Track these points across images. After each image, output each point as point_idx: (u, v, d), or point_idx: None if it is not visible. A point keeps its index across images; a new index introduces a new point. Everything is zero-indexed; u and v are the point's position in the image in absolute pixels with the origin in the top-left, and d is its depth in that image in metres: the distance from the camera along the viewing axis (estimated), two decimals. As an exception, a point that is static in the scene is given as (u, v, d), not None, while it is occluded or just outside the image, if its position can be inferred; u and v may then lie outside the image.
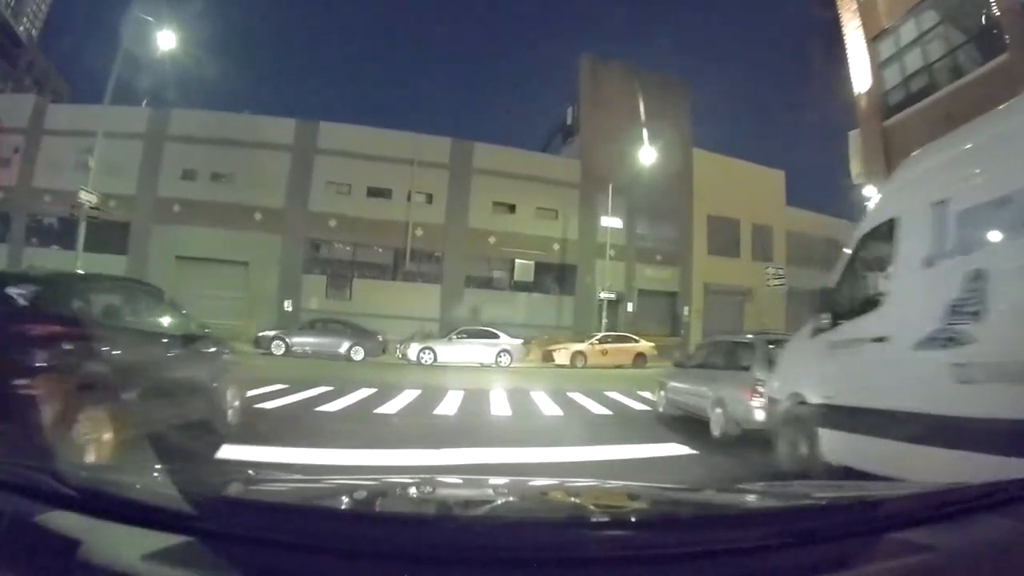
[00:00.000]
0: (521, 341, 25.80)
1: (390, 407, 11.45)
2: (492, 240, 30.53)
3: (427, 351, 24.42)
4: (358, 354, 23.92)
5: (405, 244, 29.33)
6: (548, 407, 12.53)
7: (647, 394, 15.07)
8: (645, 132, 29.47)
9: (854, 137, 16.53)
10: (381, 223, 29.25)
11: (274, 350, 23.53)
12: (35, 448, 4.03)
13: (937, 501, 1.70)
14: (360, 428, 9.13)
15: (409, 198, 29.67)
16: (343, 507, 1.83)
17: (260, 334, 24.27)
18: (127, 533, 1.39)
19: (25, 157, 30.46)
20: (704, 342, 12.66)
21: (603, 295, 29.85)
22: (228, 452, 6.59)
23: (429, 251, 30.01)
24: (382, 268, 30.03)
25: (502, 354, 25.14)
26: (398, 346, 24.90)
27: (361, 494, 2.14)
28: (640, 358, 27.09)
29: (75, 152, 30.52)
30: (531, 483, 2.85)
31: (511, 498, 2.25)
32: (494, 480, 3.08)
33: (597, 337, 27.19)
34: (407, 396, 13.04)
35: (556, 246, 31.61)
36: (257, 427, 8.36)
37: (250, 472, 2.39)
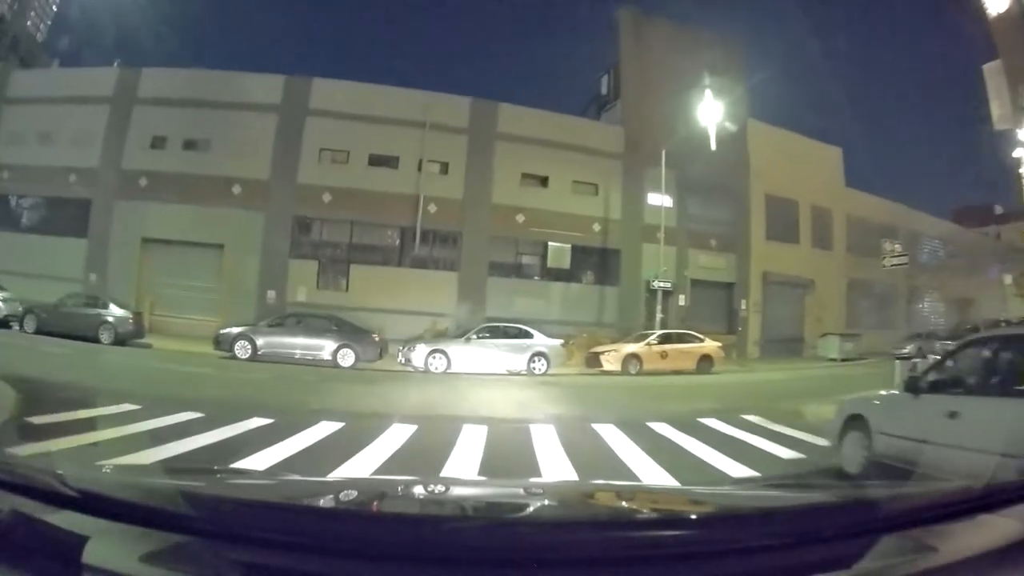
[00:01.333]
0: (560, 341, 19.96)
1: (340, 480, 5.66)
2: (520, 219, 24.53)
3: (438, 355, 18.69)
4: (347, 358, 18.30)
5: (415, 223, 23.47)
6: (644, 465, 6.71)
7: (782, 427, 9.76)
8: (696, 97, 23.71)
9: (992, 72, 10.98)
10: (385, 197, 23.37)
11: (238, 352, 17.94)
12: (36, 448, 4.08)
13: (937, 501, 1.71)
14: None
15: (420, 168, 23.79)
16: (342, 508, 1.86)
17: (221, 331, 18.65)
18: (128, 533, 1.39)
19: None
20: (970, 339, 6.64)
21: (657, 285, 23.69)
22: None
23: (444, 231, 24.09)
24: (386, 252, 24.14)
25: (536, 359, 19.33)
26: (400, 349, 19.17)
27: (361, 495, 2.14)
28: (705, 362, 21.10)
29: (37, 122, 25.68)
30: (531, 484, 3.04)
31: (511, 499, 2.25)
32: (494, 482, 3.42)
33: (655, 336, 21.15)
34: (388, 443, 7.40)
35: (596, 227, 25.55)
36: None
37: (249, 473, 2.74)
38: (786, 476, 4.55)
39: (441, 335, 22.17)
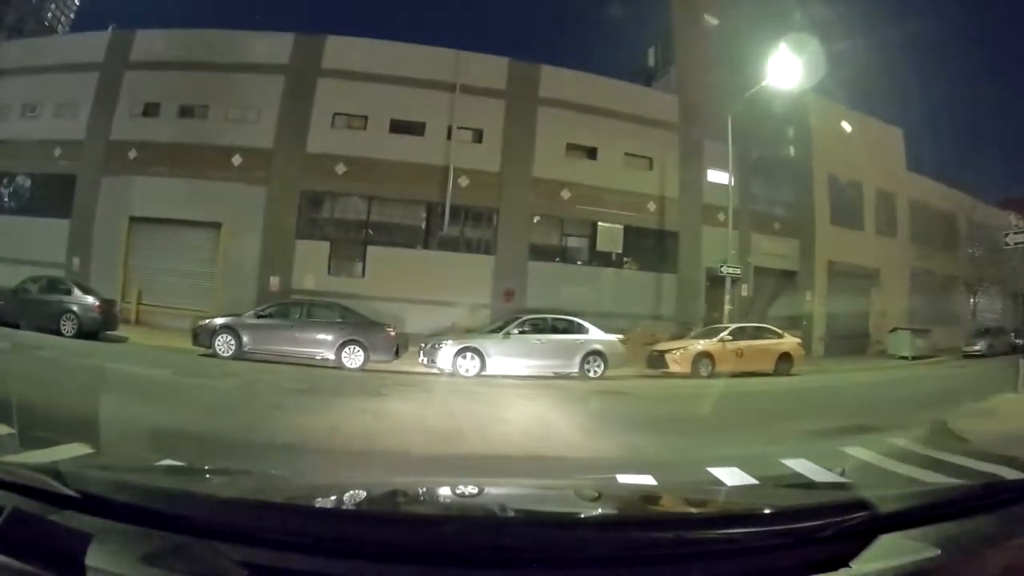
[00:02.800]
0: (619, 337, 15.73)
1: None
2: (566, 195, 20.37)
3: (469, 354, 14.66)
4: (354, 358, 14.41)
5: (443, 198, 19.39)
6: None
7: (949, 456, 6.52)
8: (757, 62, 19.82)
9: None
10: (409, 169, 19.36)
11: (219, 349, 14.05)
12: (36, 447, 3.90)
13: (937, 501, 1.66)
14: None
15: (449, 135, 19.75)
16: (343, 508, 1.80)
17: (200, 323, 14.73)
18: (128, 533, 1.35)
19: None
20: None
21: (726, 271, 19.38)
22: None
23: (478, 208, 19.99)
24: (409, 232, 19.97)
25: (591, 359, 15.25)
26: (422, 346, 15.13)
27: (361, 495, 2.07)
28: (784, 361, 17.04)
29: (22, 94, 22.38)
30: (531, 484, 2.83)
31: (511, 499, 2.16)
32: (494, 481, 2.99)
33: (728, 331, 17.00)
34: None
35: (651, 206, 21.31)
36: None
37: (250, 473, 2.37)
38: (786, 476, 3.99)
39: (473, 330, 18.13)
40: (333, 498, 1.97)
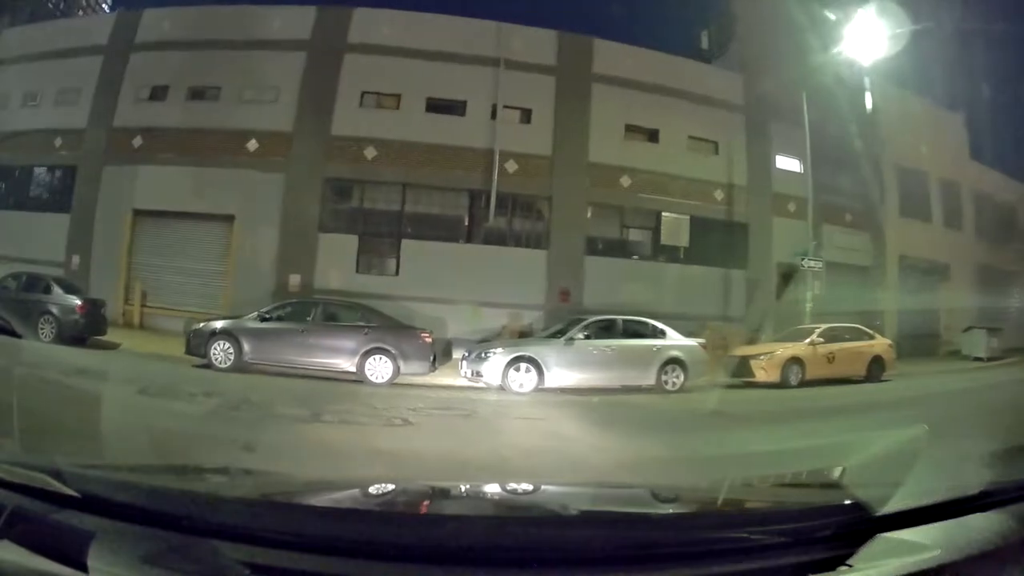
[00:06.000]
0: (699, 342, 12.31)
1: None
2: (626, 182, 16.79)
3: (523, 365, 11.12)
4: (381, 370, 11.11)
5: (489, 185, 15.84)
6: None
7: None
8: (828, 40, 16.77)
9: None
10: (449, 152, 15.93)
11: (215, 358, 10.83)
12: (38, 447, 3.37)
13: (937, 501, 1.58)
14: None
15: (494, 115, 16.26)
16: (342, 507, 1.74)
17: (194, 327, 11.50)
18: (128, 532, 1.30)
19: None
20: None
21: (807, 264, 16.00)
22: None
23: (527, 197, 16.38)
24: (450, 224, 16.35)
25: (670, 368, 11.82)
26: (466, 355, 11.69)
27: (361, 495, 1.98)
28: (876, 365, 13.95)
29: (22, 83, 19.46)
30: (531, 485, 2.62)
31: (511, 499, 2.08)
32: (495, 483, 2.84)
33: (819, 332, 13.72)
34: None
35: (719, 194, 17.82)
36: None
37: (249, 473, 2.30)
38: (786, 476, 3.22)
39: (526, 334, 14.71)
40: (333, 497, 1.89)
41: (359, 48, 16.60)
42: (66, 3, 23.33)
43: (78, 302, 12.74)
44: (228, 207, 16.02)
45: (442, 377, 12.05)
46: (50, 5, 22.34)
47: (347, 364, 11.19)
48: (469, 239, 16.15)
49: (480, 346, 12.40)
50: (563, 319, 13.72)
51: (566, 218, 16.29)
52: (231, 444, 6.60)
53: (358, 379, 11.03)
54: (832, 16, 17.11)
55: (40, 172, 18.12)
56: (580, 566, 1.27)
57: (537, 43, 17.06)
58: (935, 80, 23.95)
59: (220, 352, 11.10)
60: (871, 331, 14.84)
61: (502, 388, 11.28)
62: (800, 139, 17.09)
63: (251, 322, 11.57)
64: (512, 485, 2.51)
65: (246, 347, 11.09)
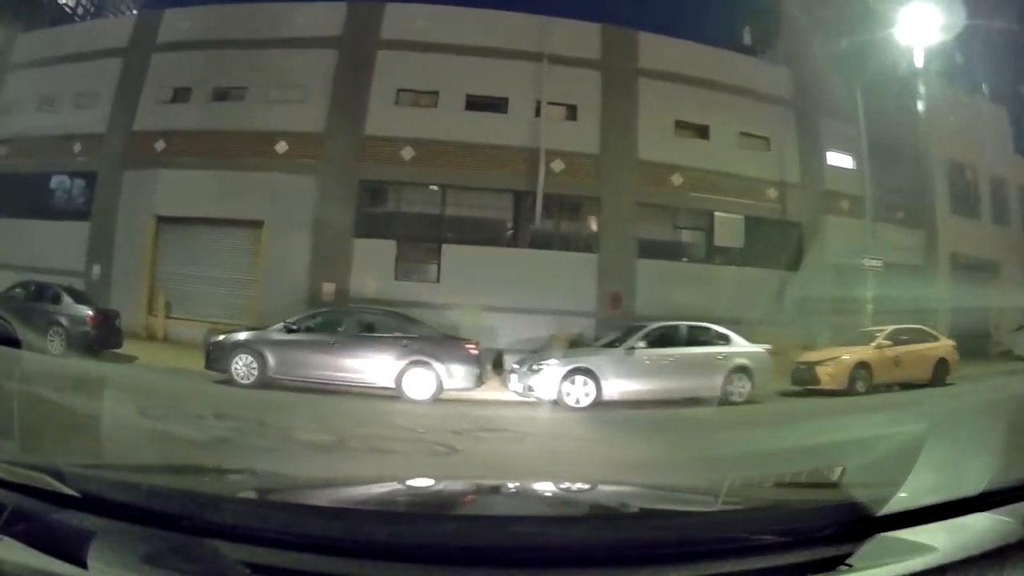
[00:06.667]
0: (766, 348, 11.22)
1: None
2: (677, 180, 15.61)
3: (579, 377, 10.12)
4: (422, 386, 10.01)
5: (534, 186, 14.66)
6: None
7: None
8: (875, 34, 15.84)
9: None
10: (491, 152, 14.80)
11: (237, 373, 9.86)
12: (39, 447, 3.68)
13: (936, 501, 1.55)
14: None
15: (538, 112, 15.12)
16: (342, 507, 1.73)
17: (214, 339, 10.54)
18: (128, 532, 1.29)
19: None
20: None
21: (868, 264, 15.06)
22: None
23: (575, 197, 15.26)
24: (493, 227, 15.26)
25: (735, 377, 10.80)
26: (515, 367, 10.73)
27: (360, 495, 1.97)
28: (941, 367, 12.99)
29: (40, 88, 18.52)
30: (532, 484, 2.61)
31: (511, 499, 2.06)
32: (495, 482, 2.81)
33: (886, 334, 12.72)
34: None
35: (772, 192, 16.64)
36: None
37: (249, 473, 2.26)
38: (785, 476, 3.03)
39: (578, 344, 13.57)
40: (333, 497, 1.87)
41: (393, 44, 15.58)
42: (87, 7, 22.38)
43: (89, 313, 11.97)
44: (256, 212, 14.95)
45: (488, 390, 10.97)
46: (67, 10, 21.44)
47: (384, 379, 10.11)
48: (514, 243, 15.01)
49: (531, 357, 11.35)
50: (615, 326, 12.73)
51: (616, 219, 15.16)
52: (231, 445, 6.41)
53: (396, 395, 9.93)
54: (880, 7, 16.14)
55: (58, 178, 17.14)
56: (580, 566, 1.23)
57: (580, 37, 16.02)
58: (978, 73, 22.85)
59: (242, 366, 10.12)
60: (934, 332, 13.86)
61: (556, 403, 10.25)
62: (851, 134, 16.11)
63: (277, 333, 10.54)
64: (512, 485, 2.48)
65: (271, 361, 10.09)
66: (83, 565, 1.18)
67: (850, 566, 1.27)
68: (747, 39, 20.97)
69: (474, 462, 6.48)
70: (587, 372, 10.54)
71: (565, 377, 10.47)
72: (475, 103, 15.33)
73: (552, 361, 10.80)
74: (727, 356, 11.24)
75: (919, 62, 16.95)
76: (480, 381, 10.72)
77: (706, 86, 16.28)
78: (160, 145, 15.85)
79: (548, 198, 14.83)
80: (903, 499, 1.58)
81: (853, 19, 16.33)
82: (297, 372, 10.16)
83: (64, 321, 11.79)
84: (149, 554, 1.22)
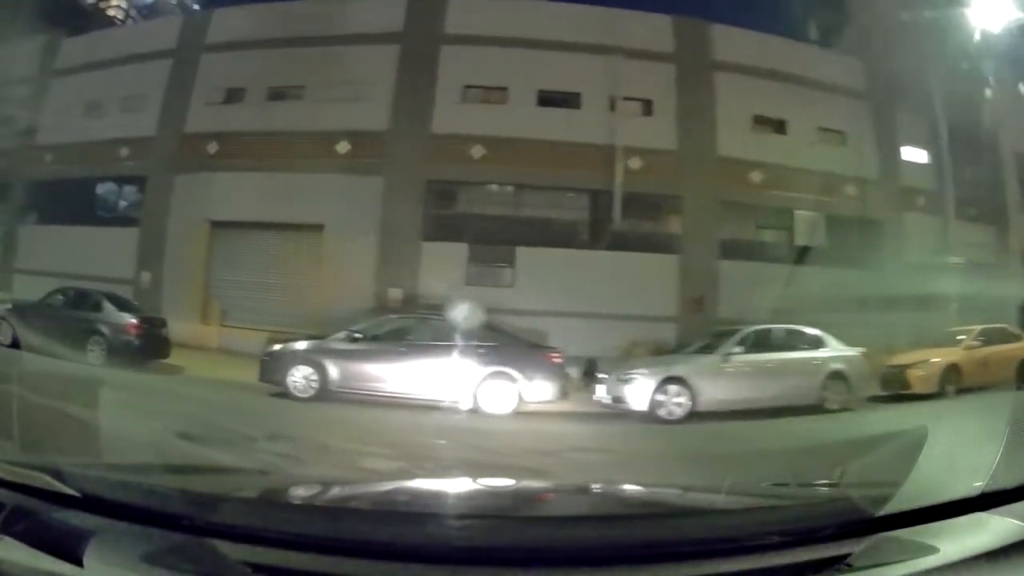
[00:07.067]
0: (860, 351, 10.46)
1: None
2: (756, 177, 14.77)
3: (672, 386, 9.31)
4: (501, 399, 9.08)
5: (610, 185, 13.81)
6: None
7: None
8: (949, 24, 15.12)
9: None
10: (565, 149, 13.89)
11: (295, 387, 9.06)
12: (39, 447, 3.57)
13: (936, 501, 1.53)
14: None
15: (613, 106, 14.33)
16: (342, 506, 1.72)
17: (270, 349, 9.64)
18: (128, 531, 1.28)
19: (29, 110, 17.96)
20: None
21: (952, 261, 14.48)
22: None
23: (653, 196, 14.39)
24: (569, 228, 14.31)
25: (831, 382, 9.86)
26: (601, 376, 9.98)
27: (361, 494, 2.00)
28: None
29: (86, 92, 17.85)
30: (532, 484, 2.77)
31: (511, 498, 2.06)
32: (495, 482, 2.81)
33: (975, 334, 11.92)
34: None
35: (850, 189, 15.68)
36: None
37: (249, 472, 2.36)
38: (786, 476, 3.07)
39: (664, 351, 12.68)
40: (332, 497, 1.86)
41: (457, 39, 14.85)
42: (130, 12, 21.84)
43: (132, 320, 11.22)
44: (317, 216, 14.15)
45: (570, 402, 10.08)
46: (109, 14, 20.92)
47: (459, 392, 9.13)
48: (591, 245, 14.12)
49: (620, 366, 10.51)
50: (698, 331, 11.90)
51: (697, 219, 14.33)
52: (231, 445, 6.15)
53: (472, 409, 9.00)
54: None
55: (104, 184, 16.42)
56: (580, 566, 1.22)
57: (651, 29, 15.26)
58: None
59: (300, 378, 9.24)
60: (1018, 332, 12.97)
61: (648, 414, 9.34)
62: (926, 127, 15.35)
63: (340, 343, 9.69)
64: (513, 485, 2.52)
65: (332, 372, 9.24)
66: (83, 564, 1.16)
67: (850, 566, 1.24)
68: (815, 30, 20.22)
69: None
70: (681, 381, 9.71)
71: (659, 386, 9.63)
72: (547, 99, 14.54)
73: (643, 370, 9.96)
74: (824, 361, 10.37)
75: (989, 52, 16.24)
76: (564, 393, 9.87)
77: (781, 79, 15.51)
78: (213, 147, 15.12)
79: (626, 197, 13.99)
80: (903, 499, 1.56)
81: (925, 6, 15.63)
82: (361, 385, 9.27)
83: (105, 329, 11.08)
84: (149, 554, 1.19)
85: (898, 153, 16.60)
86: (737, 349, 10.35)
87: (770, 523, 1.50)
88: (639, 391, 9.61)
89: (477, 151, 14.10)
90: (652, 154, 14.28)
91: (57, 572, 1.19)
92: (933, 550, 1.31)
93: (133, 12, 21.66)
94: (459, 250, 13.85)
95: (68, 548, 1.21)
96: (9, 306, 13.28)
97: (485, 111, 14.46)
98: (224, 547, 1.22)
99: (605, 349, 12.60)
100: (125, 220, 15.85)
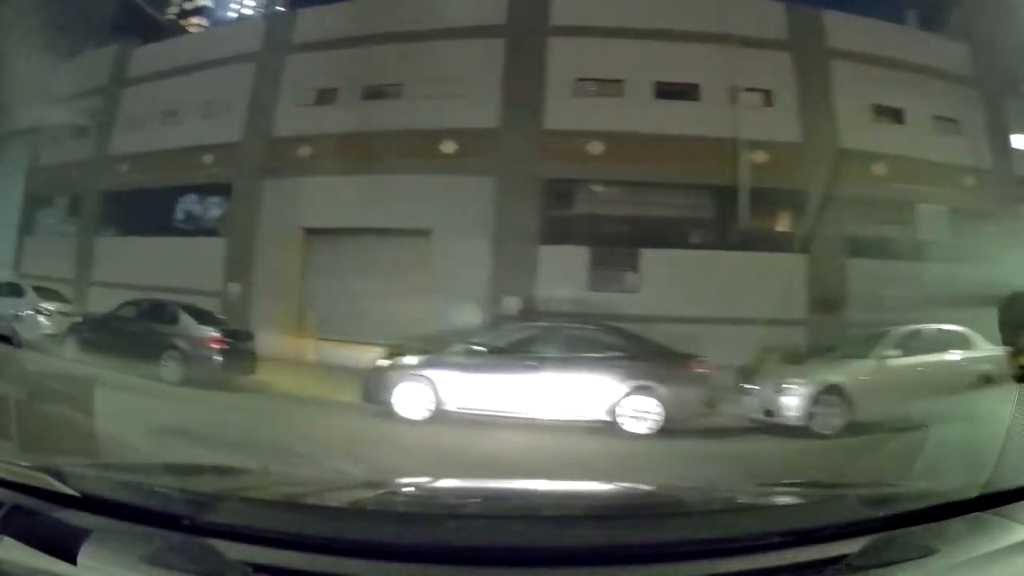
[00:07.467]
0: (1007, 350, 9.66)
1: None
2: (879, 170, 13.98)
3: (829, 396, 8.68)
4: (643, 416, 8.21)
5: (735, 180, 13.05)
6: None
7: None
8: None
9: None
10: (685, 144, 13.11)
11: (401, 406, 8.33)
12: (39, 447, 3.46)
13: (937, 501, 1.52)
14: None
15: (733, 98, 13.65)
16: (342, 506, 1.72)
17: (375, 366, 8.92)
18: (127, 531, 1.27)
19: (102, 120, 17.09)
20: None
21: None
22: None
23: (778, 192, 13.37)
24: (694, 228, 13.65)
25: (981, 382, 9.49)
26: (751, 389, 9.20)
27: (361, 494, 1.99)
28: None
29: (162, 100, 16.93)
30: (531, 484, 2.61)
31: (511, 498, 2.03)
32: (495, 482, 2.83)
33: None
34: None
35: (969, 180, 14.87)
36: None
37: (249, 472, 2.26)
38: (785, 476, 3.52)
39: (793, 357, 11.98)
40: (333, 497, 1.86)
41: (564, 31, 14.04)
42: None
43: (212, 333, 10.43)
44: (423, 220, 13.34)
45: (716, 418, 9.35)
46: (182, 22, 20.11)
47: (595, 409, 8.31)
48: (722, 244, 13.35)
49: (771, 374, 9.82)
50: (830, 334, 11.23)
51: (825, 215, 13.54)
52: (231, 444, 6.04)
53: (606, 427, 8.17)
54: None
55: (185, 192, 15.57)
56: (580, 566, 1.21)
57: (763, 16, 14.47)
58: None
59: (409, 397, 8.39)
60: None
61: (805, 428, 8.63)
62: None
63: (458, 356, 8.84)
64: (512, 485, 2.48)
65: (449, 390, 8.35)
66: (83, 564, 1.15)
67: (850, 566, 1.23)
68: (922, 15, 19.50)
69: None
70: (837, 390, 9.05)
71: (816, 397, 8.96)
72: (665, 90, 13.75)
73: (800, 379, 9.27)
74: (972, 362, 9.58)
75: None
76: (712, 407, 9.17)
77: (896, 66, 14.76)
78: (305, 151, 14.29)
79: (751, 193, 13.24)
80: (904, 499, 1.58)
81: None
82: (483, 404, 8.36)
83: (181, 343, 10.31)
84: (149, 553, 1.18)
85: (1010, 142, 15.95)
86: (893, 352, 9.66)
87: (770, 523, 1.48)
88: (797, 402, 8.91)
89: (595, 147, 13.30)
90: (776, 147, 13.52)
91: (57, 572, 1.17)
92: (933, 550, 1.29)
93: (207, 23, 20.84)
94: (579, 253, 13.07)
95: (68, 548, 1.18)
96: (79, 319, 12.64)
97: (601, 105, 13.67)
98: (224, 547, 1.20)
99: (735, 357, 11.93)
100: (208, 229, 15.04)
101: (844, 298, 13.28)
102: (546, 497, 2.07)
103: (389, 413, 8.27)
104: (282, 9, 17.29)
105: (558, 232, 13.22)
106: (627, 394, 8.37)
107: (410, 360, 8.88)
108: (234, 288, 14.33)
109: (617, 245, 13.14)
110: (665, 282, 12.64)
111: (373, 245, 13.80)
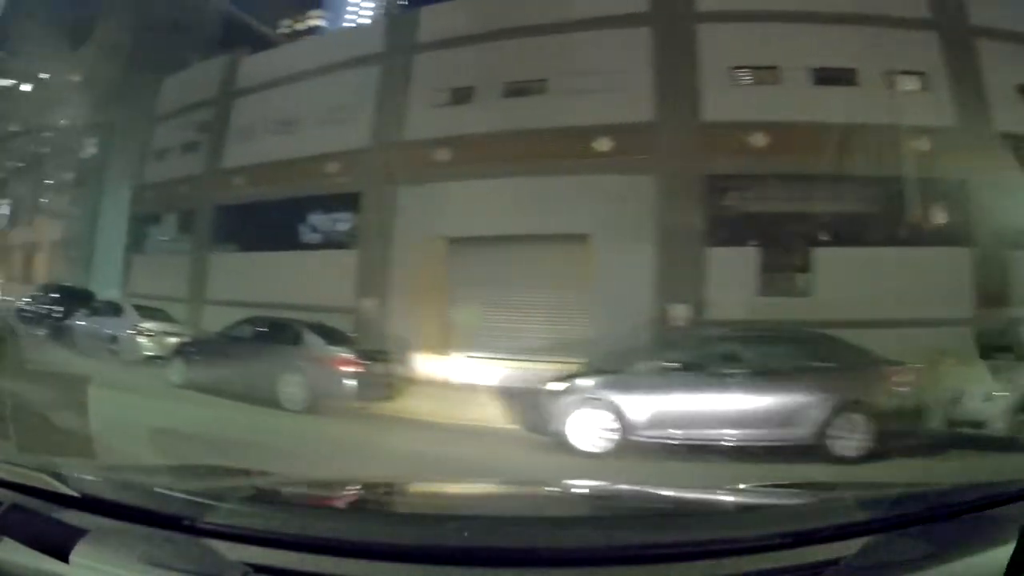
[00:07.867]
0: None
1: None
2: None
3: None
4: (853, 436, 7.34)
5: (898, 170, 12.41)
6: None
7: None
8: None
9: None
10: (845, 133, 12.39)
11: (579, 436, 7.48)
12: (39, 446, 3.50)
13: (937, 501, 1.54)
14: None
15: (891, 83, 12.94)
16: (342, 506, 1.71)
17: (538, 389, 8.00)
18: (127, 531, 1.27)
19: (214, 133, 15.77)
20: None
21: None
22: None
23: (941, 182, 12.82)
24: (863, 224, 12.95)
25: None
26: (962, 398, 8.26)
27: (361, 494, 1.92)
28: None
29: (276, 109, 15.38)
30: (531, 485, 2.59)
31: (511, 499, 2.03)
32: (495, 482, 2.90)
33: None
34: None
35: None
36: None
37: (249, 472, 2.15)
38: (785, 476, 3.45)
39: (966, 361, 11.73)
40: (332, 497, 1.83)
41: (712, 16, 13.25)
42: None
43: (339, 355, 9.60)
44: (580, 224, 12.72)
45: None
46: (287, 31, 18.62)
47: (801, 430, 7.48)
48: (893, 240, 12.92)
49: (968, 380, 9.46)
50: (995, 333, 10.98)
51: (986, 205, 13.30)
52: (231, 444, 6.07)
53: (813, 451, 7.37)
54: None
55: (309, 204, 14.61)
56: (580, 566, 1.21)
57: (907, -3, 13.87)
58: None
59: (588, 424, 7.53)
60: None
61: (1013, 441, 8.33)
62: None
63: (641, 375, 8.03)
64: (512, 485, 2.45)
65: (637, 416, 7.47)
66: (81, 565, 1.15)
67: (849, 567, 1.22)
68: None
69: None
70: None
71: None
72: (823, 77, 13.12)
73: (1005, 386, 8.93)
74: None
75: None
76: (919, 420, 8.63)
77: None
78: (443, 155, 13.44)
79: (917, 184, 12.85)
80: (903, 500, 1.57)
81: None
82: (675, 429, 7.49)
83: (305, 366, 9.51)
84: (148, 554, 1.18)
85: None
86: None
87: (768, 524, 1.45)
88: (1003, 414, 8.67)
89: (759, 139, 12.69)
90: (939, 133, 13.06)
91: (56, 572, 1.17)
92: (933, 550, 1.27)
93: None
94: (748, 255, 12.59)
95: (67, 549, 1.18)
96: (187, 339, 11.96)
97: (760, 94, 13.02)
98: (224, 547, 1.19)
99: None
100: (335, 242, 14.14)
101: (1015, 294, 13.06)
102: (547, 498, 2.05)
103: (561, 444, 7.43)
104: (404, 2, 16.00)
105: (726, 233, 12.68)
106: (836, 411, 7.60)
107: (586, 382, 8.08)
108: (368, 304, 13.59)
109: (787, 245, 12.65)
110: (840, 283, 12.23)
111: (525, 253, 13.10)
